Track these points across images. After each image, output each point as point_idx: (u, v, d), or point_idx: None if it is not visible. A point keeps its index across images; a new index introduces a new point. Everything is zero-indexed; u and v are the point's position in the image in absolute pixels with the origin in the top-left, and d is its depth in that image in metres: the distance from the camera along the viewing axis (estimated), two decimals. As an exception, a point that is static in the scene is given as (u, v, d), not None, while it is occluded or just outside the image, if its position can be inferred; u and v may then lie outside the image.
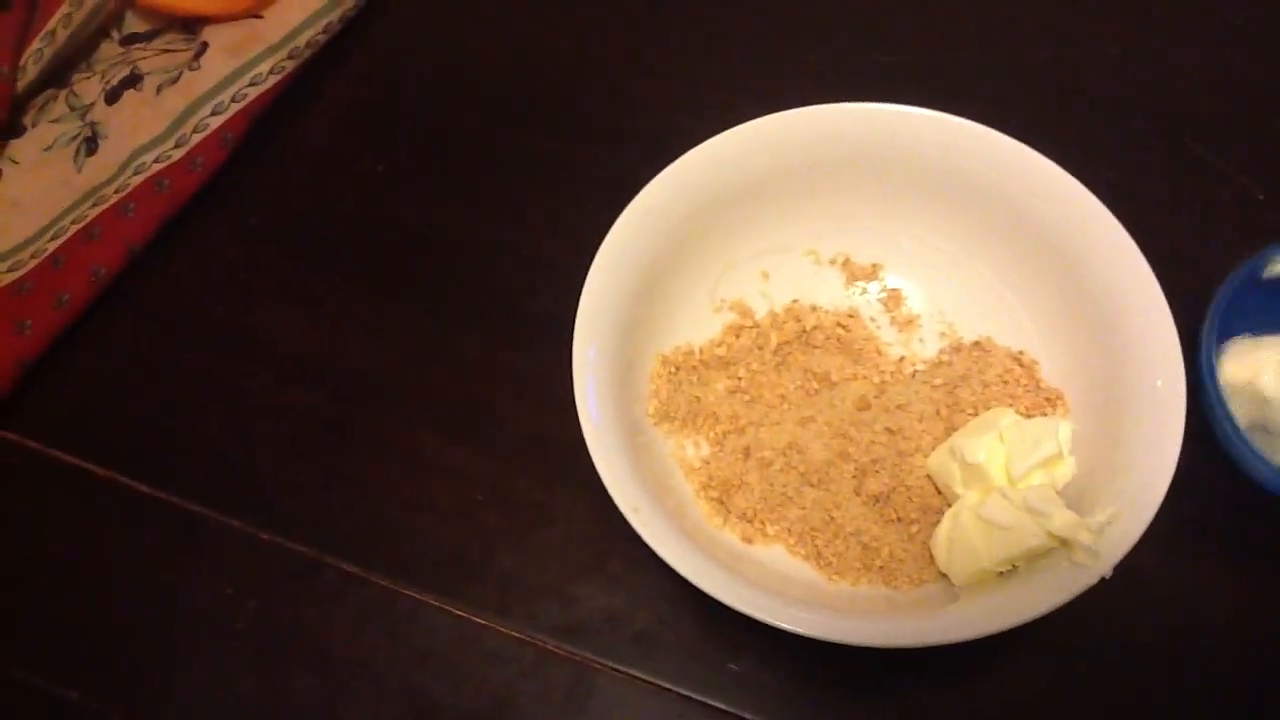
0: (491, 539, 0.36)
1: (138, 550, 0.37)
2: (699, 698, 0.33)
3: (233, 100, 0.42)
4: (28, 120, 0.45)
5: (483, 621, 0.35)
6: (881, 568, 0.32)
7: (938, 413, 0.35)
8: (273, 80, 0.43)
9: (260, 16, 0.44)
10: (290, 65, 0.44)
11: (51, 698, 0.35)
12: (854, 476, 0.34)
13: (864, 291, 0.38)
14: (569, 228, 0.41)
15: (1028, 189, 0.34)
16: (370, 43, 0.47)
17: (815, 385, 0.36)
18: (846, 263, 0.38)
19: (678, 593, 0.34)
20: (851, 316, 0.37)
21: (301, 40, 0.43)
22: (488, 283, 0.41)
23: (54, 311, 0.40)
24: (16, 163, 0.44)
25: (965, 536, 0.30)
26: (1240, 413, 0.32)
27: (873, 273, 0.38)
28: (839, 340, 0.36)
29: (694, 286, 0.37)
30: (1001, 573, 0.30)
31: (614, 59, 0.46)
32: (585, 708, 0.33)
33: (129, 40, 0.46)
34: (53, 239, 0.41)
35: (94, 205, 0.42)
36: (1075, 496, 0.31)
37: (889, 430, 0.34)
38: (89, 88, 0.45)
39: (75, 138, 0.43)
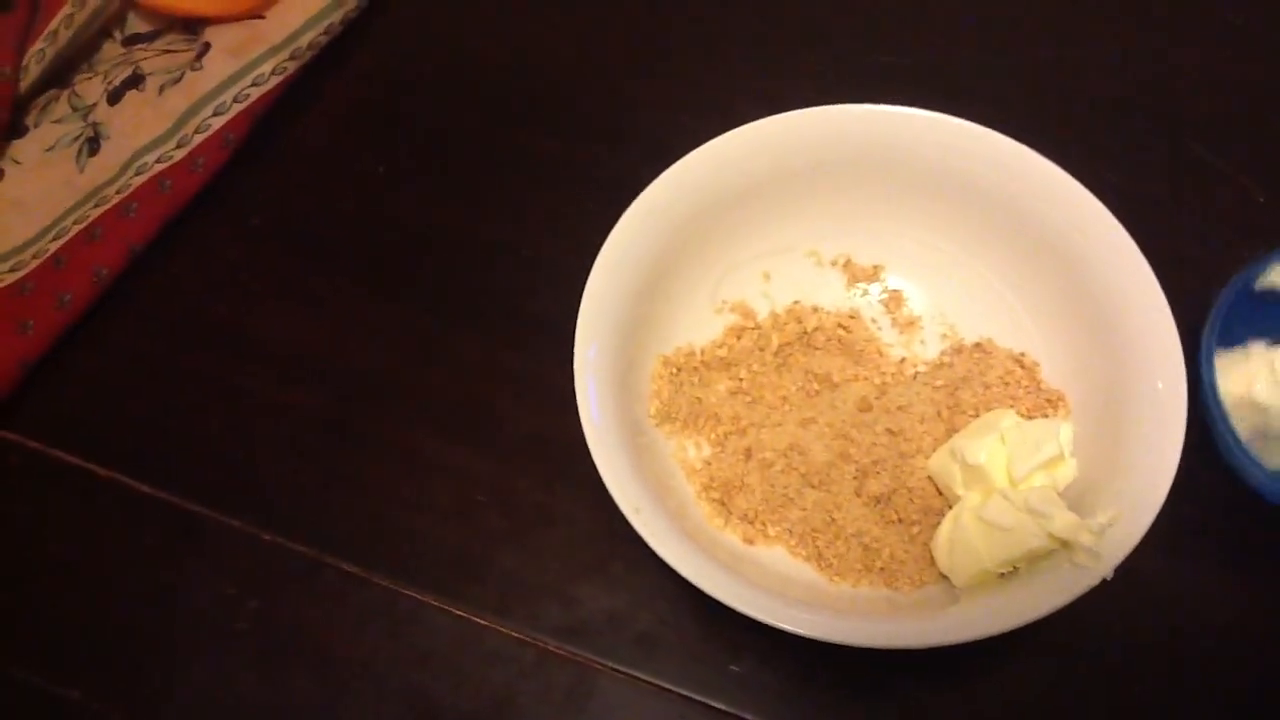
0: (492, 539, 0.36)
1: (139, 550, 0.37)
2: (700, 698, 0.33)
3: (234, 101, 0.42)
4: (30, 120, 0.45)
5: (483, 622, 0.35)
6: (882, 569, 0.32)
7: (939, 414, 0.35)
8: (275, 81, 0.43)
9: (262, 17, 0.44)
10: (292, 66, 0.44)
11: (52, 698, 0.35)
12: (855, 478, 0.34)
13: (865, 293, 0.38)
14: (569, 228, 0.41)
15: (1029, 190, 0.34)
16: (371, 43, 0.47)
17: (816, 386, 0.36)
18: (848, 264, 0.38)
19: (679, 594, 0.34)
20: (853, 318, 0.37)
21: (303, 41, 0.43)
22: (488, 283, 0.41)
23: (56, 312, 0.40)
24: (19, 163, 0.44)
25: (966, 538, 0.30)
26: (1242, 426, 0.32)
27: (874, 274, 0.38)
28: (840, 341, 0.36)
29: (695, 287, 0.37)
30: (1002, 574, 0.30)
31: (614, 59, 0.46)
32: (586, 708, 0.33)
33: (131, 41, 0.46)
34: (55, 239, 0.41)
35: (96, 205, 0.42)
36: (1076, 498, 0.31)
37: (890, 431, 0.34)
38: (91, 88, 0.45)
39: (77, 138, 0.44)
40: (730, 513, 0.33)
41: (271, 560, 0.36)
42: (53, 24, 0.45)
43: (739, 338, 0.37)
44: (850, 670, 0.33)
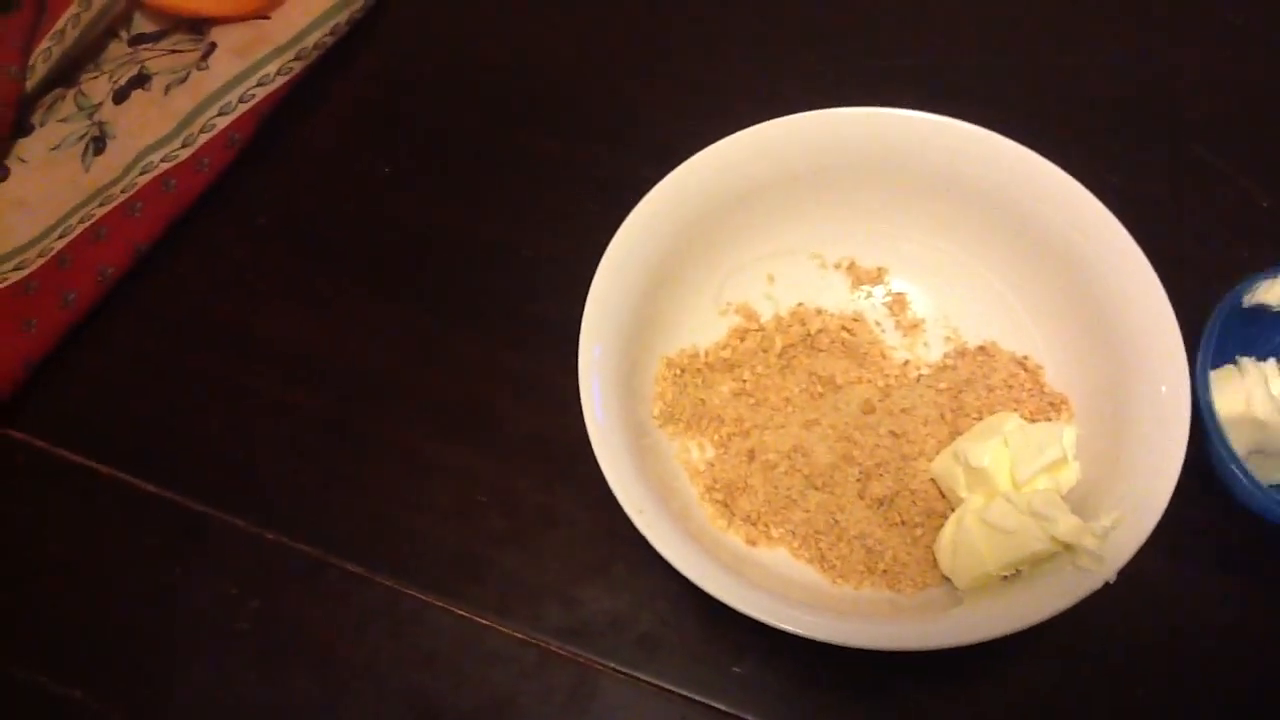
0: (493, 540, 0.36)
1: (141, 549, 0.37)
2: (702, 699, 0.33)
3: (240, 101, 0.42)
4: (36, 119, 0.45)
5: (485, 622, 0.35)
6: (885, 571, 0.32)
7: (942, 417, 0.35)
8: (280, 81, 0.43)
9: (268, 18, 0.44)
10: (297, 66, 0.44)
11: (54, 697, 0.35)
12: (858, 480, 0.34)
13: (869, 295, 0.38)
14: (569, 228, 0.41)
15: (1032, 193, 0.34)
16: (376, 44, 0.47)
17: (820, 388, 0.36)
18: (852, 266, 0.38)
19: (681, 594, 0.34)
20: (856, 320, 0.37)
21: (309, 42, 0.44)
22: (489, 283, 0.41)
23: (60, 311, 0.40)
24: (24, 161, 0.44)
25: (969, 540, 0.30)
26: (1239, 445, 0.32)
27: (878, 276, 0.38)
28: (844, 344, 0.36)
29: (699, 289, 0.37)
30: (1005, 577, 0.30)
31: (614, 59, 0.46)
32: (588, 709, 0.33)
33: (137, 40, 0.46)
34: (60, 238, 0.41)
35: (101, 205, 0.42)
36: (1079, 501, 0.31)
37: (893, 434, 0.34)
38: (97, 87, 0.45)
39: (83, 137, 0.44)
40: (733, 514, 0.33)
41: (273, 560, 0.36)
42: (59, 23, 0.45)
43: (743, 339, 0.37)
44: (852, 672, 0.33)
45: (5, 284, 0.41)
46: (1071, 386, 0.34)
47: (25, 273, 0.41)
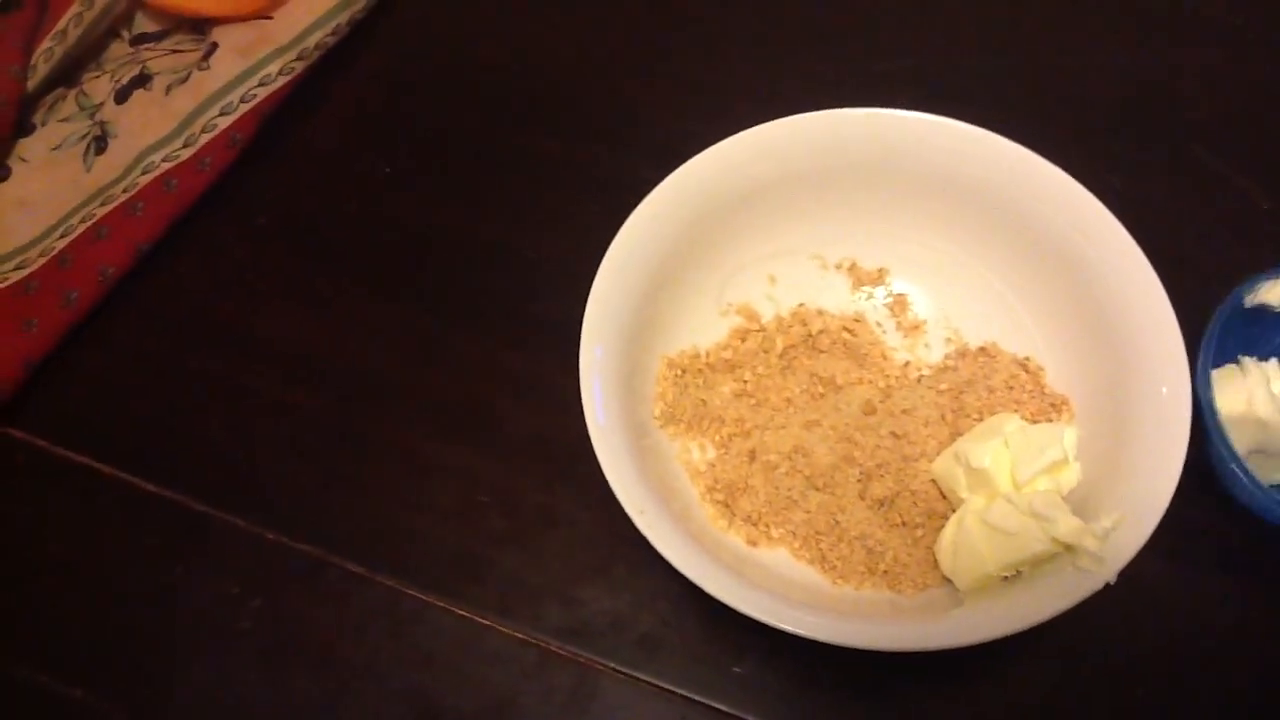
0: (494, 540, 0.36)
1: (142, 549, 0.37)
2: (702, 700, 0.33)
3: (241, 101, 0.42)
4: (37, 119, 0.45)
5: (485, 622, 0.35)
6: (886, 572, 0.32)
7: (943, 418, 0.35)
8: (282, 81, 0.43)
9: (269, 18, 0.44)
10: (299, 66, 0.44)
11: (55, 696, 0.35)
12: (859, 480, 0.34)
13: (870, 296, 0.38)
14: (569, 228, 0.41)
15: (1033, 194, 0.34)
16: (378, 45, 0.47)
17: (821, 389, 0.36)
18: (853, 267, 0.38)
19: (681, 595, 0.34)
20: (857, 321, 0.37)
21: (310, 42, 0.44)
22: (489, 283, 0.41)
23: (61, 310, 0.40)
24: (26, 161, 0.44)
25: (970, 541, 0.30)
26: (1240, 444, 0.32)
27: (879, 277, 0.38)
28: (845, 344, 0.36)
29: (700, 290, 0.37)
30: (1006, 578, 0.30)
31: (614, 59, 0.46)
32: (588, 709, 0.33)
33: (139, 40, 0.46)
34: (61, 237, 0.41)
35: (102, 204, 0.42)
36: (1080, 502, 0.31)
37: (894, 435, 0.34)
38: (98, 87, 0.45)
39: (84, 137, 0.44)
40: (734, 515, 0.33)
41: (274, 560, 0.36)
42: (61, 23, 0.45)
43: (744, 340, 0.37)
44: (852, 672, 0.33)
45: (6, 283, 0.41)
46: (1072, 387, 0.34)
47: (26, 272, 0.41)
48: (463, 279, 0.41)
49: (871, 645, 0.28)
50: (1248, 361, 0.34)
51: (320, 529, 0.36)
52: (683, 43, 0.46)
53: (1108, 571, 0.28)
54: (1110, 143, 0.42)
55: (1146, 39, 0.45)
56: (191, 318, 0.41)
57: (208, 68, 0.43)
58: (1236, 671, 0.33)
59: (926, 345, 0.37)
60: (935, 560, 0.32)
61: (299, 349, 0.40)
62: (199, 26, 0.45)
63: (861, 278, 0.38)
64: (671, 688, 0.33)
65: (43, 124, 0.45)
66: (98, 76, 0.45)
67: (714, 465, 0.34)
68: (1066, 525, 0.28)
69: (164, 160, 0.42)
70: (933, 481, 0.34)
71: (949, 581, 0.32)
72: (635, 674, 0.33)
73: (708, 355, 0.36)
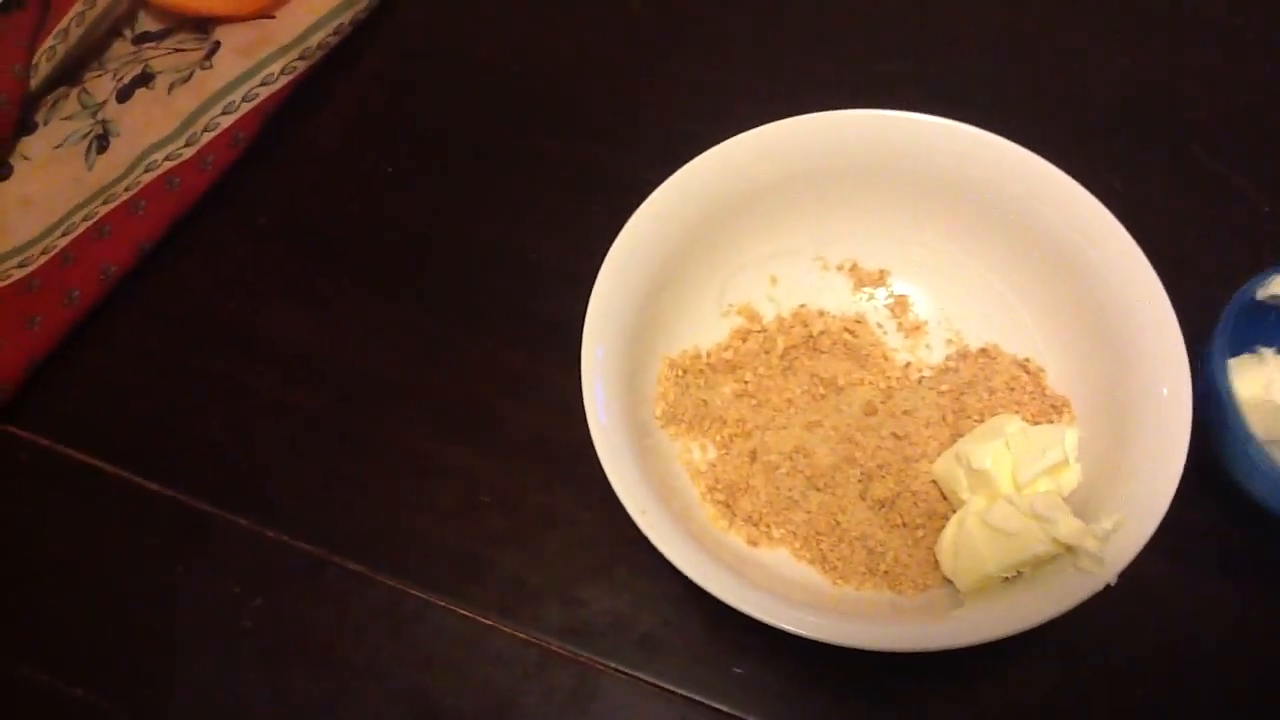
0: (494, 540, 0.36)
1: (144, 548, 0.37)
2: (703, 700, 0.33)
3: (244, 100, 0.43)
4: (40, 117, 0.45)
5: (486, 622, 0.35)
6: (886, 572, 0.32)
7: (944, 419, 0.35)
8: (284, 81, 0.43)
9: (272, 17, 0.44)
10: (301, 66, 0.44)
11: (55, 696, 0.35)
12: (860, 481, 0.34)
13: (871, 297, 0.38)
14: (569, 228, 0.41)
15: (1033, 195, 0.34)
16: (380, 45, 0.47)
17: (822, 390, 0.36)
18: (854, 268, 0.38)
19: (682, 595, 0.34)
20: (858, 322, 0.37)
21: (313, 41, 0.44)
22: (489, 283, 0.41)
23: (64, 308, 0.40)
24: (28, 159, 0.44)
25: (970, 542, 0.30)
26: (1256, 430, 0.32)
27: (880, 278, 0.38)
28: (846, 345, 0.36)
29: (702, 290, 0.37)
30: (1006, 579, 0.30)
31: (614, 59, 0.46)
32: (589, 709, 0.33)
33: (141, 39, 0.46)
34: (63, 235, 0.41)
35: (104, 202, 0.42)
36: (1080, 503, 0.31)
37: (895, 435, 0.34)
38: (101, 85, 0.45)
39: (87, 135, 0.44)
40: (735, 515, 0.33)
41: (275, 559, 0.36)
42: (64, 21, 0.45)
43: (745, 340, 0.37)
44: (853, 672, 0.33)
45: (9, 281, 0.41)
46: (1073, 389, 0.34)
47: (29, 270, 0.41)
48: (463, 279, 0.41)
49: (872, 645, 0.28)
50: (1267, 351, 0.34)
51: (321, 528, 0.36)
52: (683, 43, 0.46)
53: (1108, 572, 0.28)
54: (1110, 143, 0.42)
55: (1146, 39, 0.45)
56: (193, 317, 0.41)
57: (210, 67, 0.43)
58: (1236, 671, 0.33)
59: (927, 346, 0.37)
60: (936, 561, 0.32)
61: (300, 349, 0.40)
62: (201, 26, 0.46)
63: (863, 279, 0.38)
64: (672, 688, 0.33)
65: (45, 122, 0.45)
66: (100, 75, 0.45)
67: (715, 465, 0.34)
68: (1067, 526, 0.28)
69: (166, 159, 0.42)
70: (933, 482, 0.34)
71: (949, 582, 0.32)
72: (636, 674, 0.34)
73: (709, 355, 0.36)
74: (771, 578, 0.32)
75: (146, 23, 0.47)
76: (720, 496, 0.34)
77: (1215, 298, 0.33)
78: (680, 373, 0.35)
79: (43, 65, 0.45)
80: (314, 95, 0.45)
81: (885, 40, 0.45)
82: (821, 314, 0.37)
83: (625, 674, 0.34)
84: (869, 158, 0.36)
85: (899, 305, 0.37)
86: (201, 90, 0.43)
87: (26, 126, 0.45)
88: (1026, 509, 0.30)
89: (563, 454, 0.37)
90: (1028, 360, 0.35)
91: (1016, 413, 0.34)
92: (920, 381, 0.36)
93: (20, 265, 0.41)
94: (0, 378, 0.38)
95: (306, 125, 0.45)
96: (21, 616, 0.36)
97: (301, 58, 0.44)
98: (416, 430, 0.38)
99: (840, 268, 0.38)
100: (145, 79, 0.44)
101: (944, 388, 0.35)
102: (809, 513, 0.33)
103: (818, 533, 0.33)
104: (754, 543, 0.33)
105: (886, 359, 0.36)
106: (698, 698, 0.33)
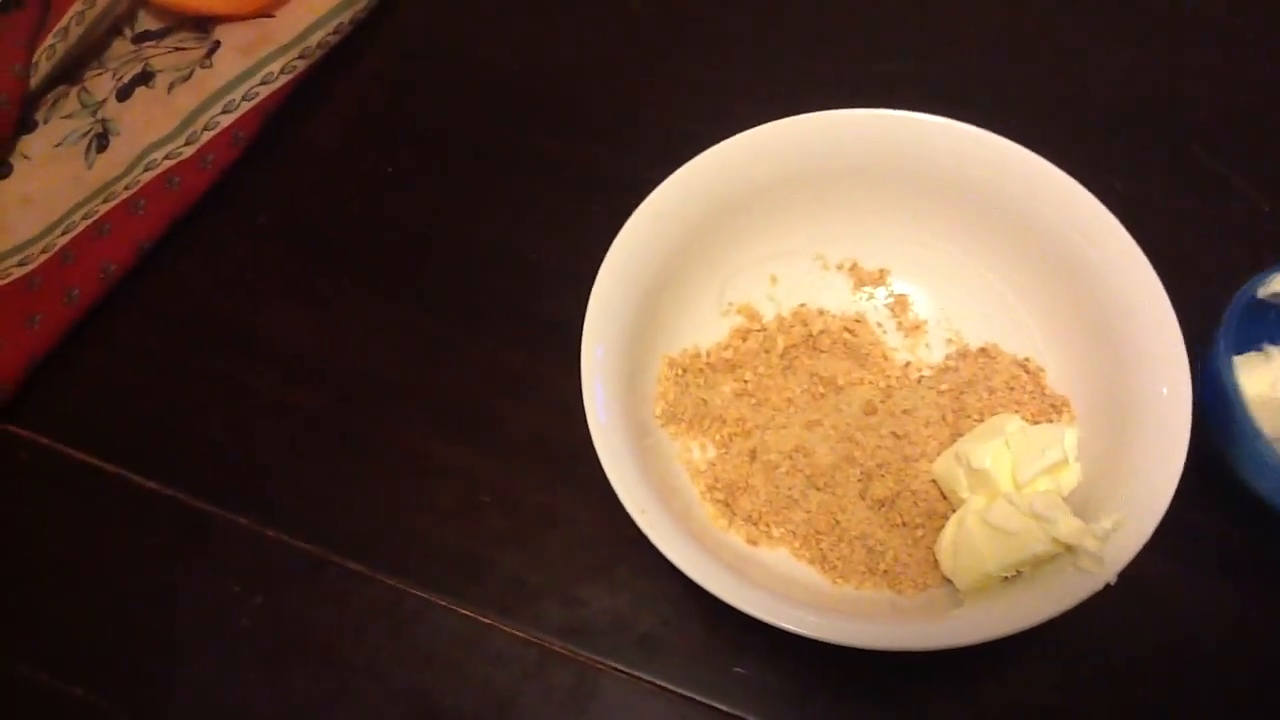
0: (494, 540, 0.36)
1: (144, 547, 0.37)
2: (703, 699, 0.33)
3: (244, 99, 0.43)
4: (39, 116, 0.45)
5: (486, 621, 0.35)
6: (886, 572, 0.32)
7: (943, 418, 0.35)
8: (284, 80, 0.43)
9: (272, 16, 0.44)
10: (301, 65, 0.44)
11: (55, 695, 0.35)
12: (859, 480, 0.34)
13: (871, 297, 0.38)
14: (570, 228, 0.41)
15: (1034, 195, 0.34)
16: (381, 44, 0.47)
17: (821, 389, 0.36)
18: (854, 268, 0.38)
19: (682, 595, 0.34)
20: (858, 321, 0.37)
21: (313, 40, 0.44)
22: (489, 283, 0.41)
23: (64, 307, 0.40)
24: (28, 158, 0.44)
25: (970, 541, 0.30)
26: (1264, 427, 0.32)
27: (880, 278, 0.38)
28: (845, 345, 0.36)
29: (702, 290, 0.37)
30: (1006, 578, 0.30)
31: (614, 59, 0.46)
32: (589, 709, 0.33)
33: (141, 38, 0.46)
34: (63, 234, 0.41)
35: (104, 201, 0.42)
36: (1080, 503, 0.31)
37: (895, 435, 0.34)
38: (101, 84, 0.45)
39: (86, 134, 0.44)
40: (734, 514, 0.34)
41: (275, 558, 0.36)
42: (64, 20, 0.45)
43: (745, 340, 0.37)
44: (853, 672, 0.33)
45: (9, 279, 0.41)
46: (1073, 388, 0.34)
47: (29, 268, 0.41)
48: (463, 279, 0.41)
49: (872, 645, 0.28)
50: (1273, 349, 0.34)
51: (321, 528, 0.36)
52: (683, 43, 0.46)
53: (1108, 572, 0.28)
54: (1110, 143, 0.42)
55: (1146, 39, 0.45)
56: (193, 316, 0.41)
57: (210, 66, 0.43)
58: (1236, 671, 0.33)
59: (927, 346, 0.37)
60: (935, 560, 0.32)
61: (300, 349, 0.40)
62: (201, 24, 0.46)
63: (862, 278, 0.38)
64: (672, 687, 0.33)
65: (45, 121, 0.45)
66: (100, 74, 0.45)
67: (714, 464, 0.34)
68: (1067, 526, 0.28)
69: (166, 158, 0.42)
70: (933, 482, 0.34)
71: (949, 581, 0.32)
72: (636, 674, 0.34)
73: (709, 355, 0.36)
74: (771, 577, 0.32)
75: (146, 21, 0.47)
76: (720, 496, 0.34)
77: (1215, 298, 0.33)
78: (680, 372, 0.35)
79: (43, 64, 0.45)
80: (314, 95, 0.45)
81: (885, 40, 0.45)
82: (821, 313, 0.37)
83: (625, 673, 0.34)
84: (869, 157, 0.36)
85: (899, 305, 0.37)
86: (201, 89, 0.43)
87: (26, 125, 0.45)
88: (1026, 508, 0.30)
89: (563, 454, 0.37)
90: (1027, 360, 0.35)
91: (1016, 412, 0.34)
92: (920, 381, 0.36)
93: (20, 264, 0.41)
94: (0, 377, 0.38)
95: (306, 125, 0.45)
96: (21, 616, 0.36)
97: (301, 57, 0.44)
98: (416, 430, 0.38)
99: (840, 267, 0.38)
100: (145, 78, 0.44)
101: (944, 387, 0.35)
102: (809, 512, 0.33)
103: (817, 532, 0.33)
104: (754, 542, 0.33)
105: (886, 358, 0.36)
106: (697, 697, 0.33)
